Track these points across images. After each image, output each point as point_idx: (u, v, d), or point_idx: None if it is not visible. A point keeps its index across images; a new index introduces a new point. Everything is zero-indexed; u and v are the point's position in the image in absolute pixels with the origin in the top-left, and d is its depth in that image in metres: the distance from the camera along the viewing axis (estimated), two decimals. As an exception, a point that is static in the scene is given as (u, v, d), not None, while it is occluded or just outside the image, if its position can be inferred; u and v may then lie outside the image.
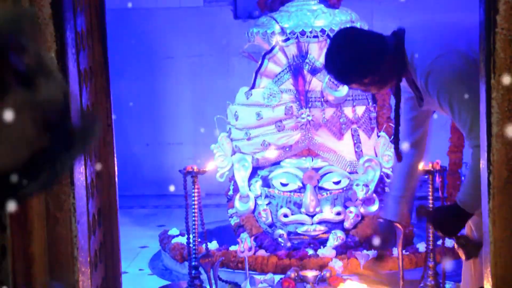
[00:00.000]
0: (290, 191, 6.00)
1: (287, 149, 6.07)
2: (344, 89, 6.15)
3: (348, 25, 6.17)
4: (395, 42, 4.34)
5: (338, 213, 5.96)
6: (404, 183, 4.75)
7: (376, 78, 4.39)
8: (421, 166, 5.29)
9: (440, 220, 4.46)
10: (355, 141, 6.10)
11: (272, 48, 6.27)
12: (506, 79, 3.41)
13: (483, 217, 3.65)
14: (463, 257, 4.40)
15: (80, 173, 3.82)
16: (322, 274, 5.51)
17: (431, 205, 5.01)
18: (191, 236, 5.57)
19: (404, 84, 4.47)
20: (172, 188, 6.41)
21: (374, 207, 5.96)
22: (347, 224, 5.97)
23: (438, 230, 4.57)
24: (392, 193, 4.87)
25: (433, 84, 4.15)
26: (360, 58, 4.36)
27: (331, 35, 6.14)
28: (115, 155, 4.38)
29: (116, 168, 4.41)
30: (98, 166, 4.25)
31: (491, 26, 3.42)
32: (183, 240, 5.96)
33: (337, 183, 5.99)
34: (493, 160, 3.46)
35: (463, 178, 5.45)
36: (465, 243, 4.25)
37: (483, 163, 3.60)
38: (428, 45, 4.26)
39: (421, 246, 5.78)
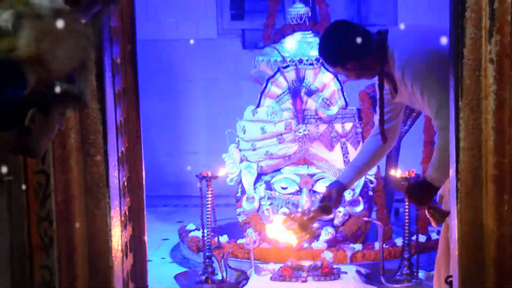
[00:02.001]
0: (289, 194, 6.00)
1: (287, 158, 6.08)
2: (335, 108, 6.16)
3: None
4: (379, 38, 4.38)
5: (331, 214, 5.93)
6: (367, 158, 4.76)
7: (357, 65, 4.44)
8: (398, 173, 5.31)
9: (413, 194, 4.44)
10: (344, 152, 6.10)
11: (275, 74, 6.27)
12: (471, 102, 3.42)
13: (452, 218, 3.66)
14: (434, 224, 4.40)
15: (114, 177, 3.82)
16: (315, 263, 5.51)
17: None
18: (205, 230, 5.59)
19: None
20: (188, 190, 6.43)
21: (359, 208, 5.97)
22: (336, 222, 5.96)
23: (413, 202, 4.58)
24: (353, 162, 4.93)
25: (408, 75, 4.18)
26: (345, 45, 4.42)
27: (325, 65, 6.19)
28: (143, 162, 4.39)
29: (143, 173, 4.41)
30: (129, 172, 4.29)
31: (459, 57, 3.42)
32: (198, 234, 5.98)
33: None
34: (461, 170, 3.46)
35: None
36: (434, 213, 4.25)
37: (452, 172, 3.59)
38: (406, 43, 4.28)
39: (399, 241, 5.79)
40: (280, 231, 5.10)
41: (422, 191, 4.31)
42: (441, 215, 4.25)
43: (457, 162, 3.49)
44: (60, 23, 1.92)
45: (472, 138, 3.45)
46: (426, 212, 4.42)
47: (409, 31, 4.55)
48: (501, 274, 3.49)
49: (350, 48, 4.41)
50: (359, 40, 4.37)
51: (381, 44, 4.35)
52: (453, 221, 3.60)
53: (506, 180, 3.41)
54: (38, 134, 2.34)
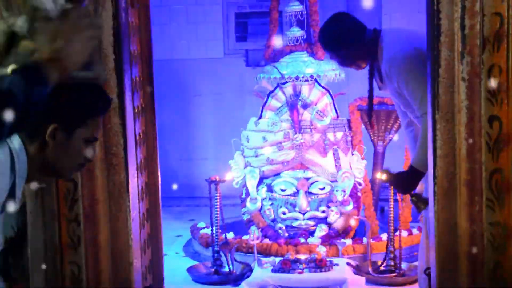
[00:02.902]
0: (288, 195, 5.98)
1: (285, 163, 6.06)
2: (327, 119, 6.14)
3: (330, 72, 6.23)
4: (373, 35, 4.34)
5: (323, 211, 5.96)
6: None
7: (349, 54, 4.39)
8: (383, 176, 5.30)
9: (399, 181, 4.38)
10: (335, 158, 6.09)
11: (274, 89, 6.29)
12: (446, 115, 3.46)
13: (430, 217, 3.68)
14: (417, 210, 4.35)
15: (134, 184, 3.84)
16: (311, 256, 5.51)
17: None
18: (214, 228, 5.61)
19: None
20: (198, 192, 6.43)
21: (349, 207, 5.94)
22: (329, 220, 5.95)
23: (397, 189, 4.54)
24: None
25: (394, 70, 4.13)
26: (341, 34, 4.38)
27: (318, 79, 6.20)
28: (159, 168, 4.39)
29: (159, 178, 4.41)
30: (147, 177, 4.31)
31: (436, 76, 3.46)
32: (208, 231, 5.99)
33: (322, 189, 5.98)
34: (437, 175, 3.50)
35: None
36: (417, 200, 4.21)
37: (430, 177, 3.60)
38: (394, 42, 4.23)
39: (384, 236, 5.77)
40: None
41: (409, 178, 4.25)
42: (423, 202, 4.17)
43: (434, 168, 3.51)
44: (68, 21, 1.93)
45: (447, 147, 3.48)
46: (410, 199, 4.40)
47: (397, 33, 4.51)
48: (473, 267, 3.50)
49: (345, 37, 4.38)
50: (353, 32, 4.37)
51: (374, 41, 4.31)
52: (431, 220, 3.61)
53: (477, 184, 3.43)
54: (58, 152, 2.34)
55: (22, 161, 2.30)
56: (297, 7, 6.35)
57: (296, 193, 5.98)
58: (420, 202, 4.23)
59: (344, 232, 5.93)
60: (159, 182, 4.40)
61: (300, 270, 5.38)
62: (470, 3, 3.34)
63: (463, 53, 3.39)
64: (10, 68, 1.83)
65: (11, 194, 2.32)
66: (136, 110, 4.02)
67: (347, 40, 4.40)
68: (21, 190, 2.34)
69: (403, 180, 4.31)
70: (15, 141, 2.33)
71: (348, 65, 4.57)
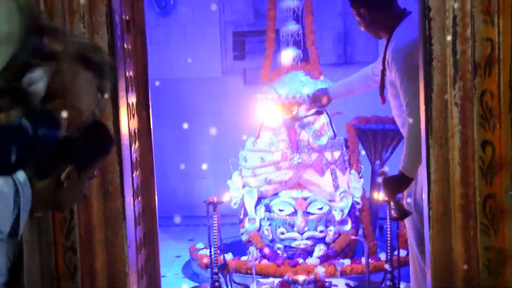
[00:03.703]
0: (286, 215, 5.97)
1: (283, 183, 6.06)
2: (324, 139, 6.15)
3: None
4: (400, 12, 4.31)
5: (321, 231, 5.94)
6: (356, 82, 4.97)
7: (372, 17, 4.33)
8: (380, 196, 5.29)
9: (387, 184, 4.32)
10: (333, 177, 6.09)
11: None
12: (440, 139, 3.46)
13: (426, 242, 3.66)
14: (394, 214, 4.38)
15: (130, 210, 3.84)
16: (309, 277, 5.49)
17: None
18: (212, 249, 5.56)
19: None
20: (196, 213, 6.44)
21: (348, 227, 5.95)
22: (327, 239, 5.94)
23: (385, 192, 4.41)
24: (345, 82, 5.11)
25: (395, 62, 4.11)
26: None
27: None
28: (156, 192, 4.37)
29: (156, 202, 4.39)
30: (143, 201, 4.31)
31: (429, 101, 3.47)
32: (206, 252, 5.94)
33: (320, 208, 5.97)
34: (432, 199, 3.51)
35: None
36: (396, 206, 4.23)
37: (425, 202, 3.60)
38: (407, 34, 4.11)
39: (382, 256, 5.78)
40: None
41: (396, 182, 4.22)
42: (400, 211, 4.22)
43: (429, 192, 3.51)
44: (77, 80, 1.98)
45: (442, 172, 3.49)
46: (391, 203, 4.41)
47: (414, 26, 4.02)
48: None
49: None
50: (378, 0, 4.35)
51: (397, 19, 4.27)
52: (427, 244, 3.60)
53: (471, 209, 3.45)
54: (70, 192, 2.41)
55: (27, 195, 2.34)
56: (293, 27, 6.37)
57: (294, 213, 5.97)
58: (397, 209, 4.26)
59: (342, 252, 5.93)
60: (156, 206, 4.38)
61: None
62: (462, 28, 3.37)
63: (455, 78, 3.40)
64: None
65: (14, 226, 2.36)
66: (132, 136, 4.03)
67: (372, 2, 4.35)
68: (24, 223, 2.38)
69: (391, 183, 4.28)
70: (20, 175, 2.37)
71: (366, 28, 4.46)
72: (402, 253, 5.75)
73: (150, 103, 4.37)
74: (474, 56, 3.37)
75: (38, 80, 1.97)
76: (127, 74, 3.96)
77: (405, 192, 4.42)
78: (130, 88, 4.03)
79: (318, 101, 4.97)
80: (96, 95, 2.07)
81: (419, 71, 3.65)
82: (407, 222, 4.36)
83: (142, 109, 4.28)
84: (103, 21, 3.62)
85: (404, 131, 4.38)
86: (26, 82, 1.98)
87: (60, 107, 1.93)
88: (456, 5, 3.35)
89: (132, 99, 4.10)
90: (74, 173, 2.41)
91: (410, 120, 4.04)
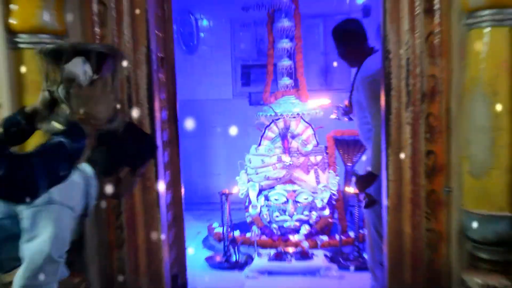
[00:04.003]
0: (280, 203, 5.96)
1: (278, 179, 6.05)
2: (310, 146, 6.12)
3: (312, 111, 6.21)
4: (368, 49, 4.25)
5: (306, 215, 5.92)
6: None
7: (346, 49, 4.29)
8: (351, 190, 5.31)
9: (360, 181, 4.24)
10: (316, 175, 6.07)
11: (270, 123, 6.28)
12: (396, 150, 3.46)
13: (383, 225, 3.67)
14: (364, 206, 4.32)
15: (163, 200, 3.84)
16: (297, 249, 5.54)
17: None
18: (224, 227, 5.62)
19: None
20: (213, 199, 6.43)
21: (326, 212, 5.92)
22: (311, 221, 5.92)
23: (357, 187, 4.34)
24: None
25: (362, 86, 4.05)
26: (346, 29, 4.32)
27: (303, 116, 6.19)
28: (182, 185, 4.34)
29: (182, 192, 4.36)
30: (172, 193, 4.27)
31: (388, 120, 3.47)
32: (220, 229, 5.98)
33: (306, 198, 5.95)
34: (389, 194, 3.52)
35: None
36: (366, 196, 4.20)
37: (384, 197, 3.60)
38: (372, 67, 4.03)
39: (351, 233, 5.76)
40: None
41: (367, 179, 4.16)
42: (371, 201, 4.18)
43: (388, 189, 3.52)
44: (95, 88, 1.95)
45: (396, 174, 3.49)
46: (364, 194, 4.34)
47: (378, 60, 3.99)
48: (414, 262, 3.53)
49: (348, 33, 4.30)
50: (356, 35, 4.29)
51: (366, 55, 4.21)
52: (385, 227, 3.60)
53: (418, 201, 3.45)
54: (125, 185, 2.45)
55: (94, 186, 2.37)
56: (287, 62, 6.37)
57: (286, 201, 5.95)
58: (369, 199, 4.21)
59: (322, 231, 5.92)
60: (182, 196, 4.36)
61: (289, 260, 5.40)
62: (413, 67, 3.36)
63: (407, 104, 3.41)
64: (57, 126, 1.87)
65: (85, 209, 2.39)
66: (164, 144, 4.03)
67: (348, 38, 4.31)
68: (92, 207, 2.41)
69: (363, 180, 4.23)
70: (88, 170, 2.40)
71: (342, 57, 4.42)
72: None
73: (177, 119, 4.34)
74: (422, 88, 3.37)
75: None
76: (160, 97, 3.94)
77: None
78: (163, 108, 4.02)
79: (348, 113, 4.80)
80: (111, 102, 2.02)
81: (379, 95, 3.64)
82: (368, 209, 4.33)
83: (171, 123, 4.27)
84: (143, 59, 3.61)
85: (364, 141, 4.36)
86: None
87: (83, 118, 1.90)
88: (409, 50, 3.35)
89: (164, 116, 4.09)
90: (129, 173, 2.46)
91: (375, 126, 3.97)
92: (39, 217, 2.17)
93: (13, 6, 3.09)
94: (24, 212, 2.20)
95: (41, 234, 2.16)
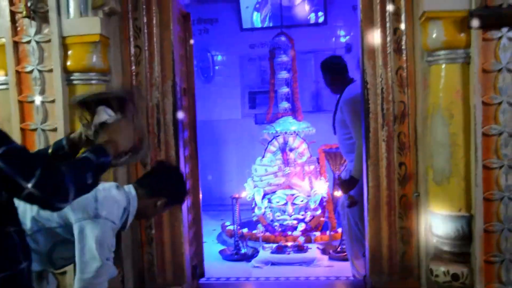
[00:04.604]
0: (280, 205, 5.93)
1: (279, 185, 6.01)
2: (304, 158, 6.07)
3: (305, 129, 6.17)
4: (348, 79, 4.31)
5: (302, 215, 5.88)
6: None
7: (331, 79, 4.35)
8: (339, 193, 5.23)
9: (344, 184, 4.20)
10: (310, 182, 5.98)
11: (272, 139, 6.23)
12: (374, 161, 3.45)
13: (365, 224, 3.64)
14: (350, 205, 4.25)
15: (184, 204, 3.80)
16: (294, 243, 5.50)
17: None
18: (235, 225, 5.56)
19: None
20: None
21: (319, 212, 5.86)
22: (306, 220, 5.89)
23: (342, 190, 4.31)
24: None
25: (345, 107, 4.06)
26: (331, 64, 4.37)
27: (298, 133, 6.15)
28: (200, 190, 4.36)
29: (200, 197, 4.37)
30: (192, 197, 4.29)
31: (367, 138, 3.46)
32: (231, 227, 5.93)
33: (302, 201, 5.91)
34: (369, 197, 3.51)
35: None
36: (349, 197, 4.17)
37: (365, 200, 3.59)
38: (352, 91, 4.08)
39: (339, 230, 5.66)
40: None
41: (350, 182, 4.13)
42: (353, 201, 4.17)
43: (368, 194, 3.51)
44: (119, 124, 1.93)
45: (375, 181, 3.48)
46: (347, 198, 4.31)
47: (357, 87, 4.08)
48: (390, 254, 3.51)
49: (332, 67, 4.36)
50: (339, 68, 4.35)
51: (346, 83, 4.26)
52: (366, 224, 3.58)
53: (392, 204, 3.45)
54: (158, 213, 2.54)
55: (134, 205, 2.42)
56: (285, 89, 6.33)
57: (286, 203, 5.90)
58: (351, 200, 4.19)
59: (315, 228, 5.88)
60: (200, 200, 4.37)
61: (288, 252, 5.35)
62: (386, 95, 3.37)
63: (383, 124, 3.41)
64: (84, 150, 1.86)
65: (124, 224, 2.44)
66: (186, 159, 4.03)
67: (332, 70, 4.36)
68: (131, 222, 2.46)
69: (346, 183, 4.20)
70: (132, 192, 2.46)
71: (328, 85, 4.47)
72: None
73: (197, 137, 4.37)
74: (394, 111, 3.37)
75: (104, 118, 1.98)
76: (183, 121, 3.94)
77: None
78: (184, 128, 4.02)
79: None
80: (132, 134, 1.97)
81: (359, 114, 3.68)
82: (351, 212, 4.31)
83: (192, 140, 4.29)
84: (169, 90, 3.63)
85: (344, 154, 4.38)
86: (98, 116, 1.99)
87: (108, 141, 1.87)
88: (382, 81, 3.37)
89: (186, 135, 4.09)
90: (164, 203, 2.54)
91: (357, 143, 3.97)
92: (87, 229, 2.22)
93: (69, 52, 3.13)
94: (75, 224, 2.27)
95: (89, 243, 2.21)
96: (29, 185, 1.51)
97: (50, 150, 2.05)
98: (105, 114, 1.97)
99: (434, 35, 2.87)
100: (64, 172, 1.59)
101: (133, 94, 2.08)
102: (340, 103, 4.20)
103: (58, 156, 2.05)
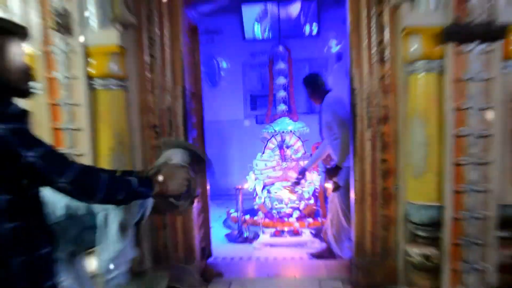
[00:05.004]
0: (278, 194, 5.91)
1: (277, 178, 6.01)
2: (299, 154, 6.04)
3: (301, 128, 6.14)
4: (326, 91, 4.49)
5: (297, 203, 5.87)
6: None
7: (312, 92, 4.55)
8: (329, 185, 5.23)
9: (329, 172, 4.38)
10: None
11: (270, 138, 6.21)
12: (360, 158, 3.43)
13: (351, 213, 3.64)
14: (333, 190, 4.41)
15: (196, 193, 3.82)
16: (290, 228, 5.50)
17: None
18: (238, 213, 5.59)
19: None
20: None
21: (312, 201, 5.85)
22: (301, 208, 5.86)
23: (328, 176, 4.44)
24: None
25: (325, 108, 4.31)
26: (311, 79, 4.58)
27: (294, 132, 6.13)
28: (208, 182, 4.32)
29: (208, 189, 4.34)
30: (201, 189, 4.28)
31: (355, 138, 3.46)
32: (235, 214, 5.94)
33: (297, 191, 5.87)
34: (356, 190, 3.51)
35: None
36: (334, 184, 4.25)
37: (352, 192, 3.58)
38: (330, 97, 4.37)
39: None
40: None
41: (335, 169, 4.27)
42: (337, 186, 4.25)
43: (355, 187, 3.51)
44: (178, 171, 1.94)
45: (360, 175, 3.49)
46: (332, 183, 4.44)
47: (334, 95, 4.50)
48: (373, 238, 3.52)
49: (312, 81, 4.55)
50: (318, 82, 4.52)
51: (324, 94, 4.46)
52: (352, 213, 3.60)
53: (375, 195, 3.46)
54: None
55: (150, 202, 2.42)
56: (283, 93, 6.33)
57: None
58: (335, 185, 4.31)
59: (308, 215, 5.85)
60: (208, 191, 4.36)
61: (285, 236, 5.37)
62: (371, 100, 3.37)
63: (368, 126, 3.42)
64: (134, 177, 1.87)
65: (139, 220, 2.45)
66: None
67: (313, 84, 4.54)
68: (146, 219, 2.47)
69: (331, 171, 4.33)
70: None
71: (310, 97, 4.64)
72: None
73: (204, 135, 4.37)
74: (378, 114, 3.38)
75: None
76: (192, 121, 3.95)
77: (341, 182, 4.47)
78: (193, 128, 4.03)
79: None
80: (183, 183, 1.96)
81: (339, 114, 3.87)
82: (337, 197, 4.38)
83: (200, 139, 4.27)
84: (180, 94, 3.62)
85: (333, 152, 4.46)
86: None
87: (158, 179, 1.87)
88: (368, 88, 3.36)
89: (194, 134, 4.09)
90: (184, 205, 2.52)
91: (337, 139, 4.15)
92: (111, 215, 2.27)
93: (91, 60, 3.16)
94: (100, 213, 2.31)
95: (112, 228, 2.26)
96: (63, 180, 1.57)
97: (119, 173, 2.09)
98: (179, 156, 1.98)
99: (413, 47, 2.89)
100: (102, 178, 1.63)
101: (208, 162, 2.11)
102: (322, 107, 4.35)
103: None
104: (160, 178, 1.84)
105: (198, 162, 2.08)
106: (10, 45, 1.65)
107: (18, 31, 1.68)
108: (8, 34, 1.65)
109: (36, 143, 1.59)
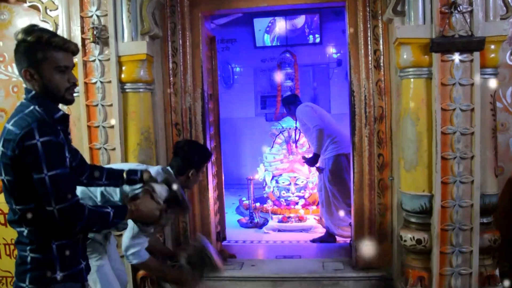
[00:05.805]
0: (285, 184, 5.87)
1: (284, 169, 5.97)
2: (304, 148, 5.99)
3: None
4: (298, 104, 4.67)
5: (303, 192, 5.83)
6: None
7: (290, 110, 4.78)
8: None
9: (309, 160, 4.50)
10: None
11: (279, 133, 6.17)
12: (358, 153, 3.41)
13: (351, 201, 3.60)
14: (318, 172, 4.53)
15: (210, 184, 3.81)
16: (296, 215, 5.47)
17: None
18: (250, 200, 5.55)
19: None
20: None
21: (315, 190, 5.75)
22: (306, 196, 5.83)
23: (308, 164, 4.60)
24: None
25: (299, 114, 4.55)
26: (288, 99, 4.80)
27: (300, 130, 6.01)
28: (223, 172, 4.34)
29: (223, 179, 4.34)
30: (217, 179, 4.26)
31: (353, 134, 3.45)
32: (247, 201, 5.91)
33: (302, 182, 5.86)
34: (355, 181, 3.49)
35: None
36: (317, 168, 4.37)
37: (351, 182, 3.54)
38: (300, 107, 4.65)
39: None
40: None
41: (313, 158, 4.40)
42: (319, 170, 4.34)
43: (354, 178, 3.50)
44: (150, 201, 1.89)
45: (359, 167, 3.49)
46: (315, 169, 4.56)
47: (302, 105, 4.73)
48: (370, 224, 3.52)
49: (289, 101, 4.77)
50: (294, 100, 4.73)
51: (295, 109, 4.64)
52: (352, 202, 3.57)
53: (373, 185, 3.46)
54: (192, 182, 2.52)
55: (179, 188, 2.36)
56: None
57: (289, 184, 5.85)
58: (319, 170, 4.42)
59: (312, 203, 5.80)
60: (223, 181, 4.35)
61: (291, 221, 5.34)
62: (368, 101, 3.38)
63: (366, 124, 3.40)
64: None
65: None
66: (212, 149, 4.00)
67: (291, 103, 4.73)
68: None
69: (311, 159, 4.47)
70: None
71: (288, 114, 4.91)
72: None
73: (220, 131, 4.36)
74: (374, 114, 3.37)
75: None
76: (210, 119, 3.92)
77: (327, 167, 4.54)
78: (211, 125, 4.01)
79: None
80: (152, 215, 1.88)
81: (309, 117, 4.05)
82: (322, 178, 4.49)
83: (216, 134, 4.26)
84: (199, 96, 3.65)
85: (311, 144, 4.66)
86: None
87: (132, 208, 1.83)
88: (365, 90, 3.36)
89: (212, 130, 4.08)
90: (194, 173, 2.53)
91: (316, 134, 4.34)
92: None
93: (123, 67, 3.21)
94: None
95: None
96: (56, 207, 1.55)
97: (125, 176, 2.09)
98: (163, 192, 1.94)
99: (404, 56, 2.91)
100: (86, 214, 1.61)
101: (185, 207, 2.10)
102: (297, 114, 4.64)
103: (131, 178, 2.11)
104: (133, 207, 1.83)
105: (177, 202, 2.11)
106: (63, 60, 1.68)
107: (71, 48, 1.70)
108: (62, 51, 1.68)
109: (55, 163, 1.54)
